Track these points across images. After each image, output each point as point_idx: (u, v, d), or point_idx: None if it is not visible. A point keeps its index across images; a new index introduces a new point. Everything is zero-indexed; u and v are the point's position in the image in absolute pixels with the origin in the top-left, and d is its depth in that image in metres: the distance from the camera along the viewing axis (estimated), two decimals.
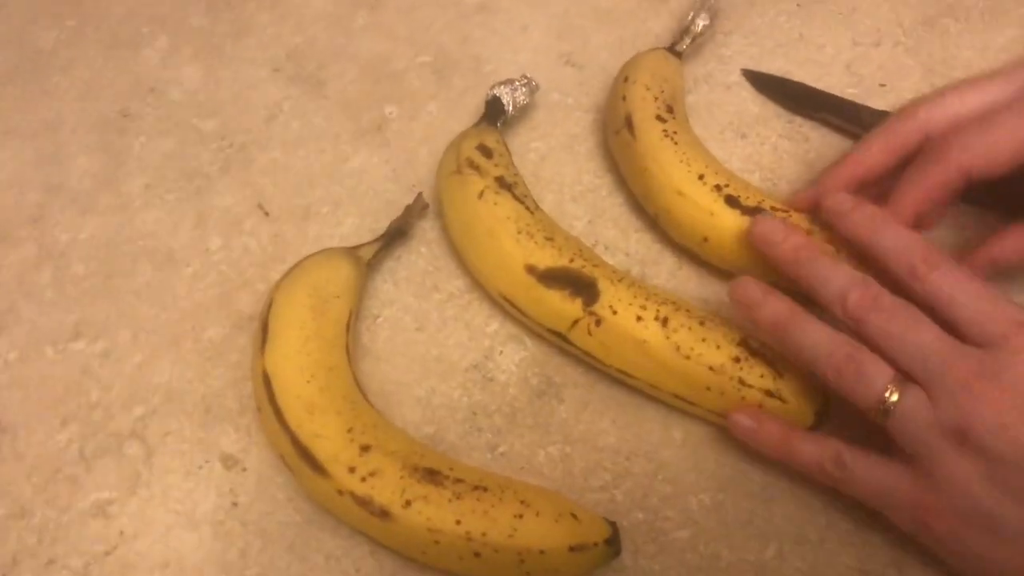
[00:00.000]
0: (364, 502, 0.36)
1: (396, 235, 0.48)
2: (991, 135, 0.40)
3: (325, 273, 0.43)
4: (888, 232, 0.39)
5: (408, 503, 0.36)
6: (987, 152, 0.40)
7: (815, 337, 0.37)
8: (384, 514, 0.36)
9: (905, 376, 0.35)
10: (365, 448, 0.38)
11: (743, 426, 0.39)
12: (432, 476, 0.37)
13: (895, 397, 0.34)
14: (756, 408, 0.39)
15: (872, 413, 0.35)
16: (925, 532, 0.35)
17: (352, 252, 0.45)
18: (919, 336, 0.35)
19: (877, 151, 0.44)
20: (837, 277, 0.37)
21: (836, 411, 0.39)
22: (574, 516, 0.37)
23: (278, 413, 0.39)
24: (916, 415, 0.34)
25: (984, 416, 0.33)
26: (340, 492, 0.37)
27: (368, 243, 0.47)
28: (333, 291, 0.43)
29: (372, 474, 0.37)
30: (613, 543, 0.37)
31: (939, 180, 0.41)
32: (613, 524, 0.37)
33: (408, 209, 0.48)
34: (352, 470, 0.37)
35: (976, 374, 0.33)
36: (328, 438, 0.38)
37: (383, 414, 0.42)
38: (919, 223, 0.42)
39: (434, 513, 0.36)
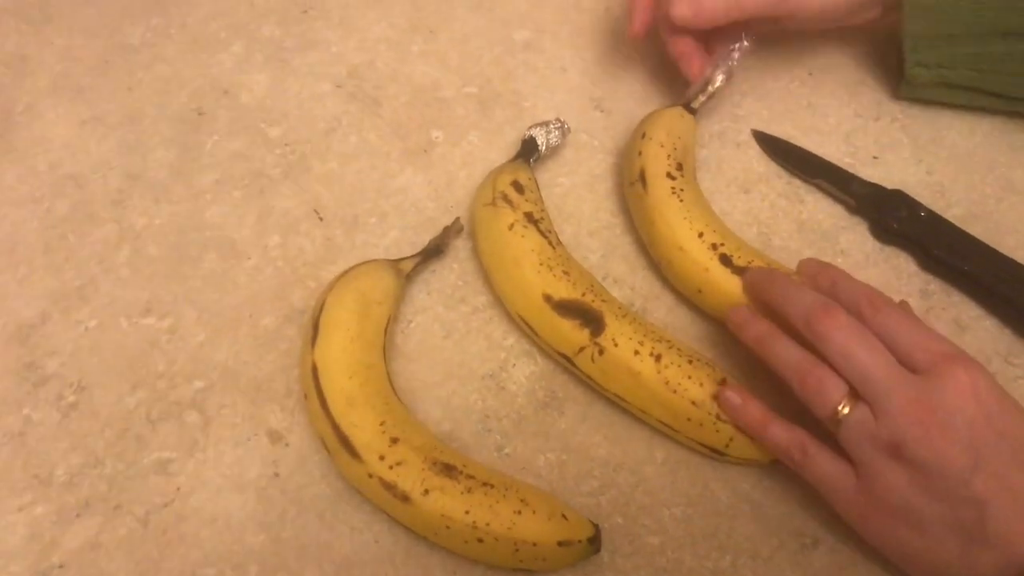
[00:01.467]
0: (389, 486, 0.43)
1: (433, 252, 0.54)
2: None
3: (370, 282, 0.50)
4: (844, 284, 0.46)
5: (426, 491, 0.43)
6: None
7: (787, 353, 0.45)
8: (405, 498, 0.43)
9: (855, 392, 0.42)
10: (394, 440, 0.45)
11: (731, 402, 0.46)
12: (448, 470, 0.44)
13: (846, 411, 0.42)
14: (743, 388, 0.46)
15: (827, 422, 0.43)
16: (862, 524, 0.43)
17: (394, 264, 0.52)
18: (870, 360, 0.42)
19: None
20: (803, 299, 0.45)
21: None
22: (564, 516, 0.43)
23: (323, 402, 0.46)
24: (861, 428, 0.41)
25: (916, 434, 0.40)
26: (370, 475, 0.44)
27: (408, 257, 0.53)
28: (376, 298, 0.50)
29: (398, 463, 0.44)
30: (595, 542, 0.44)
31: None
32: (596, 526, 0.44)
33: (446, 230, 0.55)
34: (382, 458, 0.44)
35: (912, 400, 0.40)
36: (363, 428, 0.45)
37: (409, 408, 0.49)
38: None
39: (447, 502, 0.43)
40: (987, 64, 0.56)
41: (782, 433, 0.44)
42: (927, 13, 0.54)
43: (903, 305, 0.48)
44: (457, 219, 0.55)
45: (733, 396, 0.46)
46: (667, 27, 0.57)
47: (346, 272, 0.51)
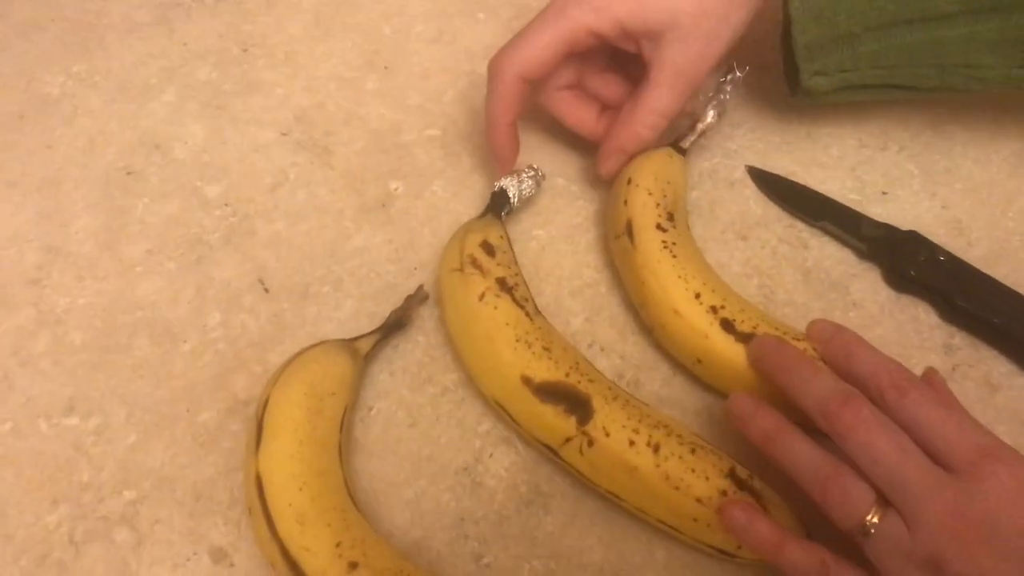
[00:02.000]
0: None
1: (395, 326, 0.48)
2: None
3: (322, 369, 0.44)
4: (862, 356, 0.40)
5: None
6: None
7: (800, 454, 0.38)
8: None
9: (884, 499, 0.36)
10: (353, 565, 0.38)
11: (736, 522, 0.39)
12: None
13: (875, 521, 0.36)
14: (750, 504, 0.40)
15: (852, 534, 0.36)
16: None
17: (350, 346, 0.46)
18: (901, 461, 0.36)
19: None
20: (819, 386, 0.39)
21: None
22: None
23: (269, 520, 0.39)
24: (894, 542, 0.35)
25: (958, 551, 0.34)
26: None
27: (366, 335, 0.47)
28: (329, 388, 0.43)
29: None
30: None
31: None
32: None
33: (408, 300, 0.48)
34: None
35: (951, 508, 0.34)
36: (316, 553, 0.38)
37: (372, 514, 0.42)
38: None
39: None
40: (893, 59, 0.49)
41: (799, 554, 0.38)
42: (819, 19, 0.48)
43: (931, 378, 0.41)
44: (420, 287, 0.49)
45: (737, 514, 0.39)
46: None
47: (293, 359, 0.44)
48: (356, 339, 0.46)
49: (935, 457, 0.36)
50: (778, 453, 0.39)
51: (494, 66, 0.49)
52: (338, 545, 0.39)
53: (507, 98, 0.49)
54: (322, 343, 0.45)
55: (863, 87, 0.50)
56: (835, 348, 0.42)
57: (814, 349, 0.43)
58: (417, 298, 0.49)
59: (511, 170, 0.51)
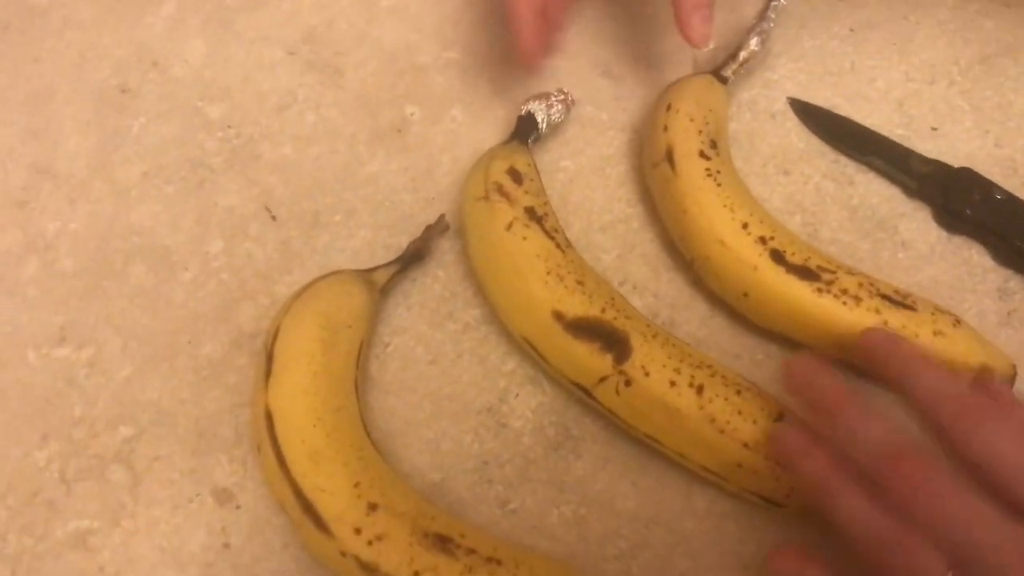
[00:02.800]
0: (369, 568, 0.34)
1: (414, 258, 0.45)
2: None
3: (337, 301, 0.41)
4: (922, 378, 0.35)
5: (416, 573, 0.34)
6: None
7: (854, 510, 0.33)
8: None
9: (958, 564, 0.31)
10: (373, 507, 0.35)
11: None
12: (443, 544, 0.35)
13: None
14: (802, 551, 0.35)
15: None
16: None
17: (366, 276, 0.42)
18: (979, 530, 0.31)
19: None
20: (872, 432, 0.34)
21: None
22: None
23: (280, 458, 0.36)
24: None
25: None
26: (343, 554, 0.35)
27: (383, 266, 0.44)
28: (345, 320, 0.40)
29: (379, 538, 0.35)
30: None
31: None
32: None
33: (428, 230, 0.45)
34: (358, 531, 0.35)
35: None
36: (333, 493, 0.36)
37: (388, 456, 0.39)
38: None
39: None
40: None
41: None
42: None
43: (989, 385, 0.36)
44: (442, 216, 0.45)
45: (786, 563, 0.35)
46: None
47: (306, 288, 0.41)
48: (372, 270, 0.43)
49: (1009, 496, 0.31)
50: (829, 505, 0.34)
51: None
52: (356, 485, 0.36)
53: None
54: (336, 273, 0.42)
55: None
56: (893, 364, 0.37)
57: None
58: (438, 228, 0.45)
59: (538, 67, 0.46)
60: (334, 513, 0.35)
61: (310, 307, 0.40)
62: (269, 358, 0.38)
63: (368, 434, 0.39)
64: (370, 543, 0.35)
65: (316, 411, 0.37)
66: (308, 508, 0.35)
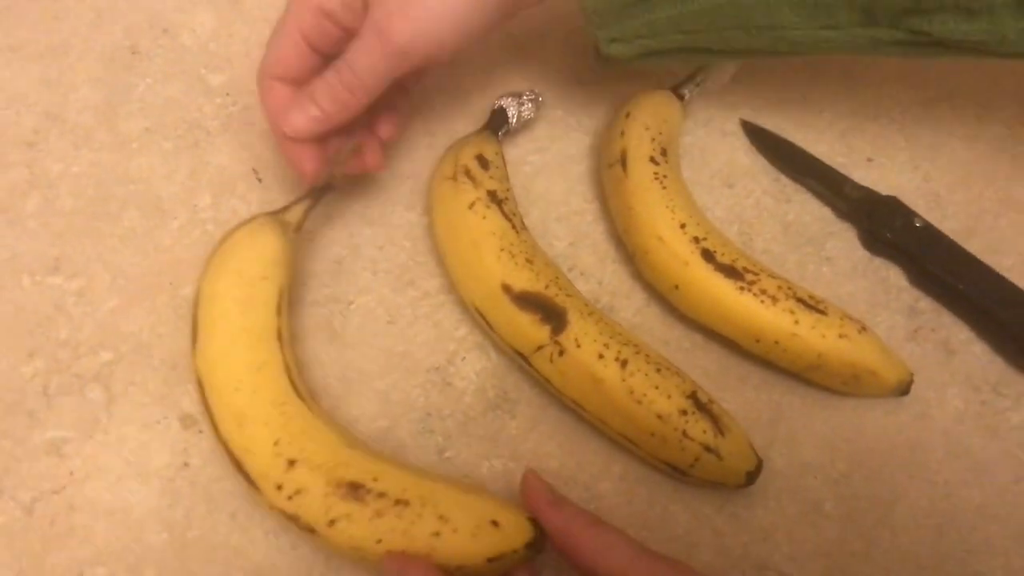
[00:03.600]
0: (292, 518, 0.38)
1: (324, 190, 0.45)
2: None
3: (249, 253, 0.42)
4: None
5: (332, 522, 0.37)
6: None
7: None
8: (311, 531, 0.37)
9: None
10: (291, 463, 0.38)
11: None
12: (355, 491, 0.37)
13: None
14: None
15: None
16: None
17: (277, 218, 0.43)
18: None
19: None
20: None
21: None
22: (494, 523, 0.38)
23: (212, 421, 0.39)
24: None
25: None
26: (271, 507, 0.38)
27: (294, 202, 0.44)
28: (259, 272, 0.42)
29: (298, 492, 0.37)
30: (534, 545, 0.38)
31: None
32: (536, 524, 0.38)
33: (336, 154, 0.45)
34: (279, 488, 0.38)
35: None
36: (255, 453, 0.38)
37: (340, 401, 0.43)
38: None
39: (356, 532, 0.37)
40: (692, 23, 0.44)
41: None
42: None
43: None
44: (355, 142, 0.46)
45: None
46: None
47: (222, 242, 0.43)
48: (284, 209, 0.44)
49: None
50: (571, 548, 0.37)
51: (257, 78, 0.45)
52: (276, 443, 0.38)
53: (273, 107, 0.45)
54: (249, 220, 0.43)
55: (668, 52, 0.46)
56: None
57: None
58: (345, 152, 0.46)
59: (311, 184, 0.46)
60: (259, 471, 0.38)
61: (223, 266, 0.42)
62: (194, 324, 0.41)
63: (294, 384, 0.41)
64: (290, 498, 0.37)
65: (236, 375, 0.39)
66: (239, 467, 0.39)
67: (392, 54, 0.42)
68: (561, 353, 0.43)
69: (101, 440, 0.43)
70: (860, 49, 0.43)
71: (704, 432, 0.41)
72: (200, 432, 0.43)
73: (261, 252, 0.42)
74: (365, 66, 0.42)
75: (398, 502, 0.38)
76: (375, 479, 0.38)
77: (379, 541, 0.37)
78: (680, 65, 0.53)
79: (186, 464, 0.43)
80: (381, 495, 0.38)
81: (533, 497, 0.39)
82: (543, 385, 0.45)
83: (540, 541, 0.38)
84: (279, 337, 0.41)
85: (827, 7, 0.41)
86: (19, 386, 0.44)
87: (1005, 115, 0.57)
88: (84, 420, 0.43)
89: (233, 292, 0.41)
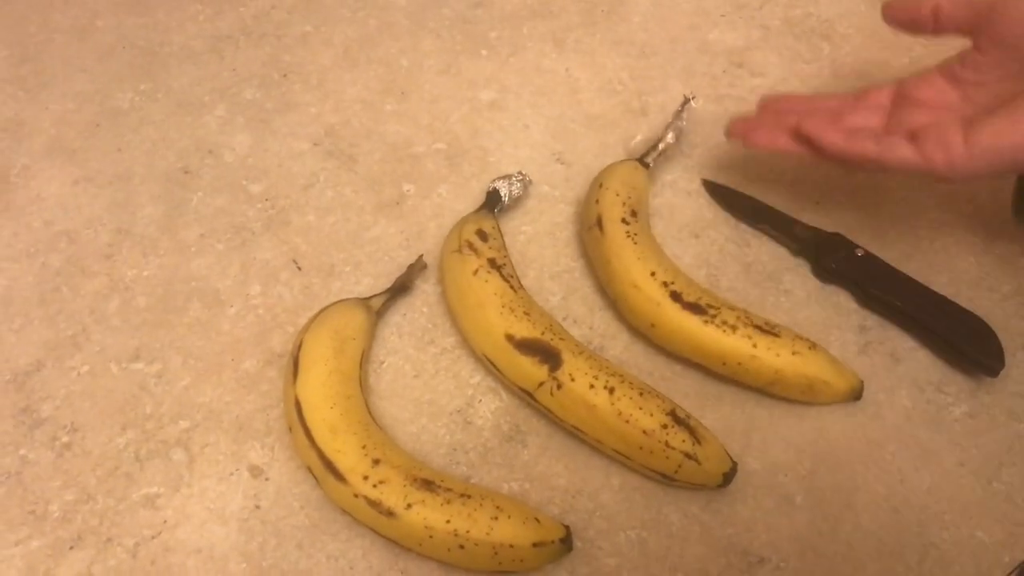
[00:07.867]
0: (375, 503, 0.47)
1: (400, 289, 0.58)
2: None
3: (344, 319, 0.54)
4: None
5: (409, 505, 0.46)
6: None
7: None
8: (390, 513, 0.46)
9: None
10: (376, 461, 0.48)
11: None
12: (428, 485, 0.47)
13: None
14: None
15: None
16: None
17: (365, 302, 0.56)
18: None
19: None
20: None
21: None
22: (537, 520, 0.47)
23: (307, 432, 0.49)
24: None
25: None
26: (356, 495, 0.47)
27: (378, 295, 0.57)
28: (350, 334, 0.53)
29: (381, 482, 0.47)
30: (567, 541, 0.48)
31: None
32: (567, 527, 0.48)
33: (410, 268, 0.59)
34: (366, 478, 0.47)
35: None
36: (347, 453, 0.48)
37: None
38: None
39: (429, 514, 0.46)
40: None
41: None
42: None
43: None
44: (420, 257, 0.59)
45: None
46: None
47: (321, 311, 0.55)
48: (370, 298, 0.57)
49: None
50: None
51: None
52: (363, 447, 0.48)
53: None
54: (343, 300, 0.56)
55: None
56: None
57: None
58: (418, 266, 0.59)
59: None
60: (348, 467, 0.48)
61: (324, 325, 0.53)
62: (295, 363, 0.51)
63: (371, 415, 0.51)
64: (375, 486, 0.47)
65: (332, 398, 0.50)
66: (329, 465, 0.48)
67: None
68: (559, 387, 0.51)
69: (186, 492, 0.52)
70: None
71: (684, 442, 0.49)
72: (267, 480, 0.52)
73: (352, 319, 0.54)
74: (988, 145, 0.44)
75: (462, 495, 0.47)
76: (442, 480, 0.48)
77: (448, 521, 0.46)
78: None
79: (257, 507, 0.51)
80: (449, 489, 0.47)
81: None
82: (547, 416, 0.53)
83: (570, 540, 0.48)
84: (360, 383, 0.52)
85: None
86: (116, 454, 0.53)
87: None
88: (171, 477, 0.52)
89: (330, 342, 0.52)
